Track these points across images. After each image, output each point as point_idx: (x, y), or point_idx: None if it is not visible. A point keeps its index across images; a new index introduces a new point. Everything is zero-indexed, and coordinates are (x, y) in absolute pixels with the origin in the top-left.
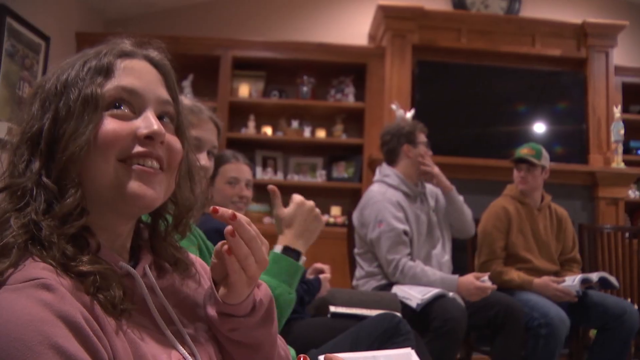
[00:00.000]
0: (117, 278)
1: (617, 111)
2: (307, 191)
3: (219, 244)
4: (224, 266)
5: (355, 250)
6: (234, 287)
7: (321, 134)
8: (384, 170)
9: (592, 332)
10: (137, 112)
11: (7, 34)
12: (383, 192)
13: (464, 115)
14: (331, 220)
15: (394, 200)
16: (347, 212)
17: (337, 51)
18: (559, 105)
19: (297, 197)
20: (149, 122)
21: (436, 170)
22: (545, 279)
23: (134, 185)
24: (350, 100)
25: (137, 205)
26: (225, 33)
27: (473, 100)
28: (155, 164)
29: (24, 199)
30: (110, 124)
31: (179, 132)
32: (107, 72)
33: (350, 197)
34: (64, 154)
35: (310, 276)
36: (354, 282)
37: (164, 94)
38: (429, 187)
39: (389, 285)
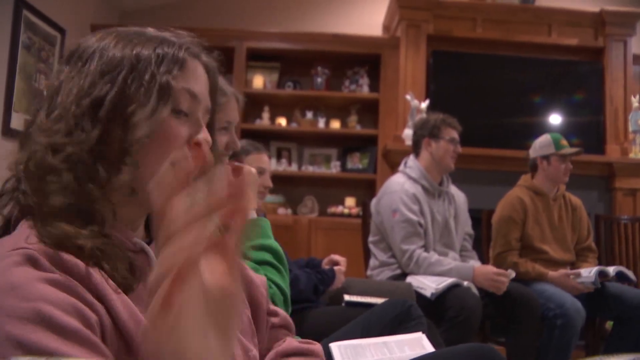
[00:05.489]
0: (122, 253)
1: (635, 101)
2: (322, 182)
3: None
4: None
5: (370, 239)
6: None
7: (335, 124)
8: (409, 162)
9: (609, 324)
10: (189, 114)
11: (23, 27)
12: (402, 183)
13: (479, 105)
14: (346, 211)
15: (411, 192)
16: (362, 203)
17: (351, 42)
18: (575, 95)
19: None
20: (201, 130)
21: None
22: (560, 272)
23: None
24: (364, 91)
25: None
26: (240, 24)
27: (488, 91)
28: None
29: (75, 163)
30: (174, 123)
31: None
32: (180, 67)
33: (365, 188)
34: (133, 134)
35: (325, 267)
36: (369, 272)
37: (209, 103)
38: (454, 192)
39: (404, 275)
